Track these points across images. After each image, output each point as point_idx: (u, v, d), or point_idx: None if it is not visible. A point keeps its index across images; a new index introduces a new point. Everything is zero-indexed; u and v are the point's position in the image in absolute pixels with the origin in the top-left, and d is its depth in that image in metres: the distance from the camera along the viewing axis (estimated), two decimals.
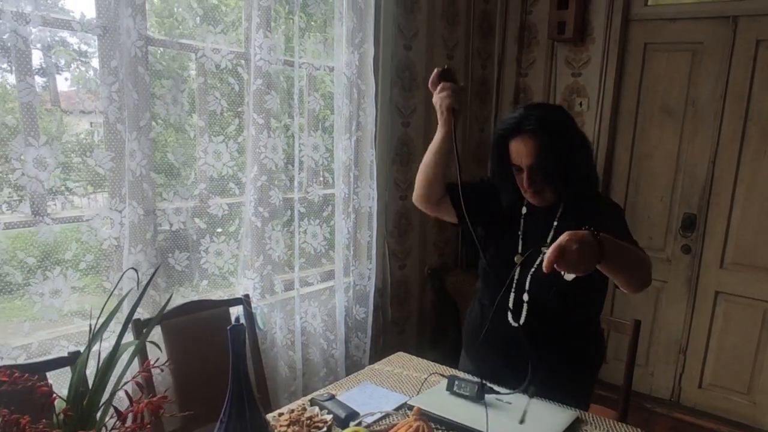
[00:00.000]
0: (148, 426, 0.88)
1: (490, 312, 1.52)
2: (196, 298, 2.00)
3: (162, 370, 1.00)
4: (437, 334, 3.35)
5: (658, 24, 3.01)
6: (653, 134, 3.09)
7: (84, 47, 1.77)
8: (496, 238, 1.57)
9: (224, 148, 2.07)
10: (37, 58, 1.60)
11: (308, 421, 1.26)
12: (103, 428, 0.91)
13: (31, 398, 0.86)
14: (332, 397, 1.39)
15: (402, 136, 2.89)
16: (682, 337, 3.09)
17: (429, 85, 1.48)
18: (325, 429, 1.24)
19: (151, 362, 1.01)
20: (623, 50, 3.11)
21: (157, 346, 1.38)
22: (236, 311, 2.04)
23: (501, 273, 1.51)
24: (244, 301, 2.04)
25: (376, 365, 1.68)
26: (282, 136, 2.25)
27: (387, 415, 1.37)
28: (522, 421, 1.29)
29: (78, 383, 0.93)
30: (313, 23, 2.43)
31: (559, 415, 1.35)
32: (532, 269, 1.47)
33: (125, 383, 0.95)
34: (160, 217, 1.92)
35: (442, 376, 1.52)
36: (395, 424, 1.22)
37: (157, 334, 1.79)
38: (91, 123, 1.84)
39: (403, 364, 1.68)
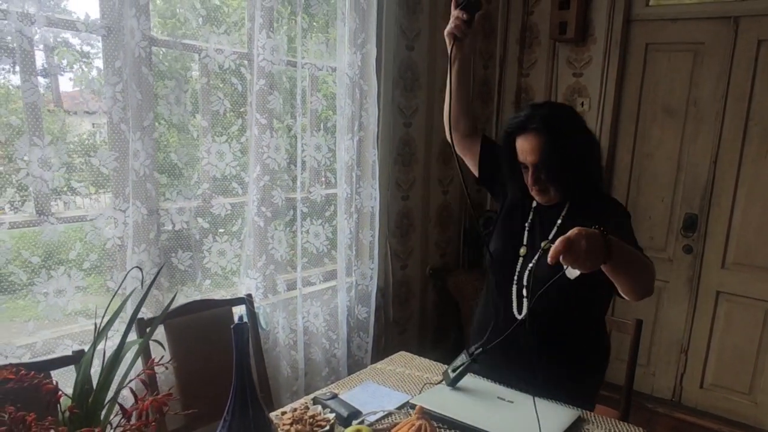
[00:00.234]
0: (153, 423, 0.89)
1: (492, 304, 1.53)
2: (199, 297, 2.01)
3: (166, 368, 1.00)
4: (439, 334, 3.35)
5: (659, 24, 3.01)
6: (654, 134, 3.09)
7: (87, 48, 1.78)
8: (503, 228, 1.58)
9: (227, 148, 2.08)
10: (39, 58, 1.61)
11: (311, 420, 1.26)
12: (108, 426, 0.92)
13: (37, 396, 0.87)
14: (335, 396, 1.40)
15: (404, 136, 2.90)
16: (684, 337, 3.10)
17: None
18: (327, 428, 1.25)
19: (155, 361, 1.01)
20: (625, 50, 3.11)
21: (161, 345, 1.39)
22: (239, 311, 2.04)
23: (504, 265, 1.52)
24: (247, 300, 2.05)
25: (379, 364, 1.69)
26: (285, 136, 2.26)
27: (389, 414, 1.37)
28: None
29: (83, 381, 0.94)
30: (315, 24, 2.44)
31: (561, 414, 1.35)
32: (531, 264, 1.47)
33: (130, 380, 0.96)
34: (163, 216, 1.93)
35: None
36: (398, 423, 1.23)
37: (160, 333, 1.79)
38: (93, 123, 1.85)
39: (405, 363, 1.69)
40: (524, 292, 1.48)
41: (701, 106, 2.93)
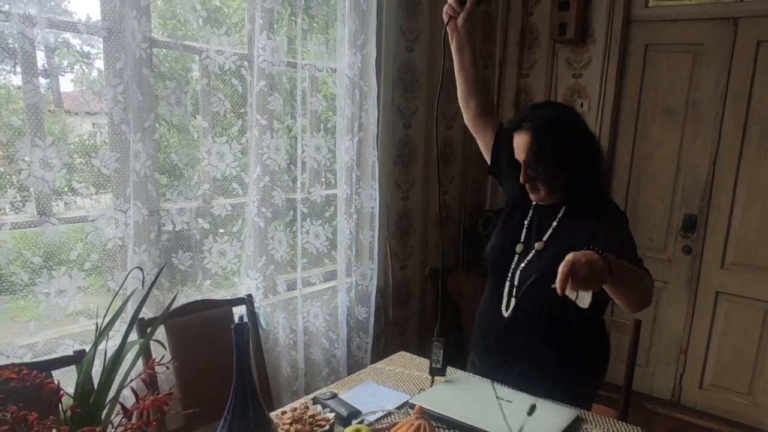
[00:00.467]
0: (154, 423, 0.90)
1: (488, 300, 1.54)
2: (199, 297, 2.02)
3: (167, 368, 1.01)
4: (438, 335, 3.35)
5: (659, 25, 3.01)
6: (654, 135, 3.10)
7: (87, 49, 1.78)
8: (504, 224, 1.59)
9: (227, 149, 2.09)
10: (40, 59, 1.61)
11: (311, 420, 1.27)
12: (109, 425, 0.93)
13: (39, 395, 0.88)
14: (334, 396, 1.40)
15: (403, 137, 2.91)
16: (683, 337, 3.10)
17: None
18: (327, 427, 1.26)
19: (156, 361, 1.02)
20: (624, 51, 3.12)
21: (162, 344, 1.39)
22: (239, 311, 2.05)
23: (500, 261, 1.53)
24: (247, 301, 2.05)
25: (378, 364, 1.69)
26: (285, 137, 2.27)
27: (389, 414, 1.38)
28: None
29: (84, 381, 0.95)
30: (315, 25, 2.44)
31: (560, 414, 1.36)
32: (522, 264, 1.48)
33: (131, 380, 0.97)
34: (164, 217, 1.94)
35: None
36: (397, 423, 1.24)
37: (161, 333, 1.80)
38: (94, 124, 1.86)
39: (404, 363, 1.70)
40: (514, 291, 1.49)
41: (701, 106, 2.93)
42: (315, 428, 1.24)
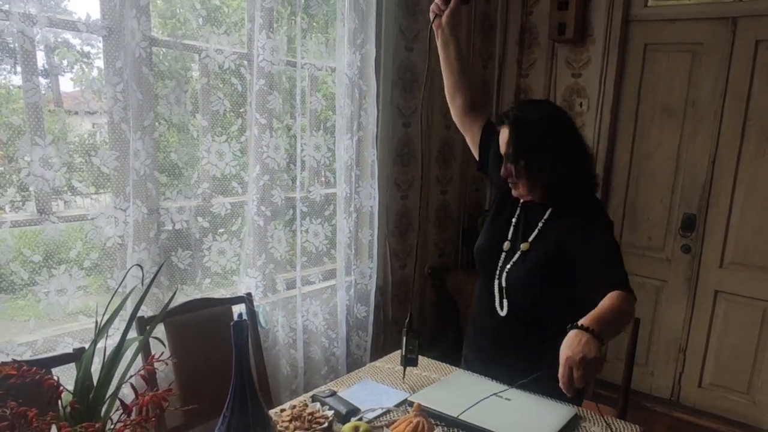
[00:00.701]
0: (153, 419, 0.90)
1: (479, 298, 1.55)
2: (198, 296, 2.02)
3: (166, 364, 1.01)
4: (437, 334, 3.36)
5: (658, 25, 3.02)
6: (653, 135, 3.10)
7: (87, 48, 1.79)
8: (492, 221, 1.60)
9: (227, 148, 2.09)
10: (40, 59, 1.62)
11: (309, 417, 1.27)
12: (109, 421, 0.93)
13: (38, 392, 0.88)
14: (333, 394, 1.41)
15: (403, 136, 2.91)
16: (682, 336, 3.11)
17: None
18: (326, 425, 1.26)
19: (155, 357, 1.02)
20: (623, 51, 3.12)
21: (162, 342, 1.40)
22: (239, 309, 2.05)
23: (487, 259, 1.54)
24: (247, 299, 2.06)
25: (377, 362, 1.70)
26: (284, 136, 2.27)
27: (387, 411, 1.38)
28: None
29: (84, 378, 0.95)
30: (315, 24, 2.45)
31: (558, 411, 1.36)
32: (508, 265, 1.48)
33: (130, 377, 0.97)
34: (163, 216, 1.94)
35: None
36: (395, 420, 1.24)
37: (160, 331, 1.80)
38: (93, 123, 1.86)
39: None
40: (504, 293, 1.49)
41: (700, 106, 2.94)
42: (314, 425, 1.25)
